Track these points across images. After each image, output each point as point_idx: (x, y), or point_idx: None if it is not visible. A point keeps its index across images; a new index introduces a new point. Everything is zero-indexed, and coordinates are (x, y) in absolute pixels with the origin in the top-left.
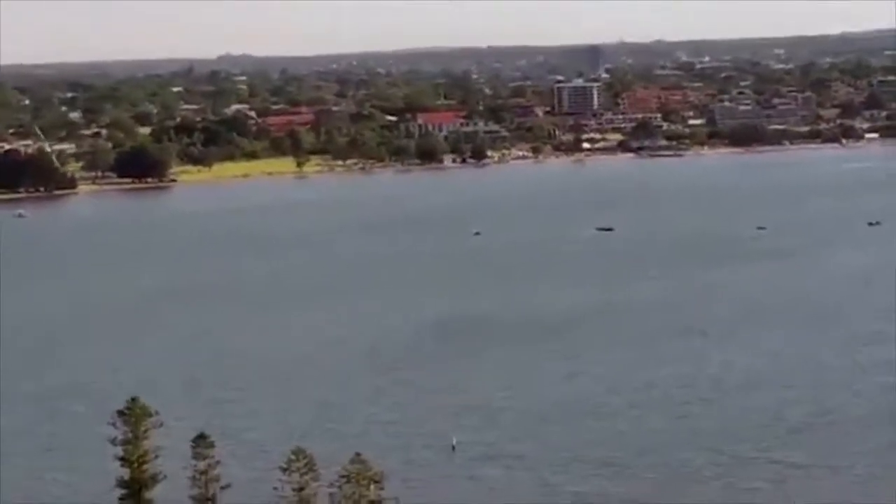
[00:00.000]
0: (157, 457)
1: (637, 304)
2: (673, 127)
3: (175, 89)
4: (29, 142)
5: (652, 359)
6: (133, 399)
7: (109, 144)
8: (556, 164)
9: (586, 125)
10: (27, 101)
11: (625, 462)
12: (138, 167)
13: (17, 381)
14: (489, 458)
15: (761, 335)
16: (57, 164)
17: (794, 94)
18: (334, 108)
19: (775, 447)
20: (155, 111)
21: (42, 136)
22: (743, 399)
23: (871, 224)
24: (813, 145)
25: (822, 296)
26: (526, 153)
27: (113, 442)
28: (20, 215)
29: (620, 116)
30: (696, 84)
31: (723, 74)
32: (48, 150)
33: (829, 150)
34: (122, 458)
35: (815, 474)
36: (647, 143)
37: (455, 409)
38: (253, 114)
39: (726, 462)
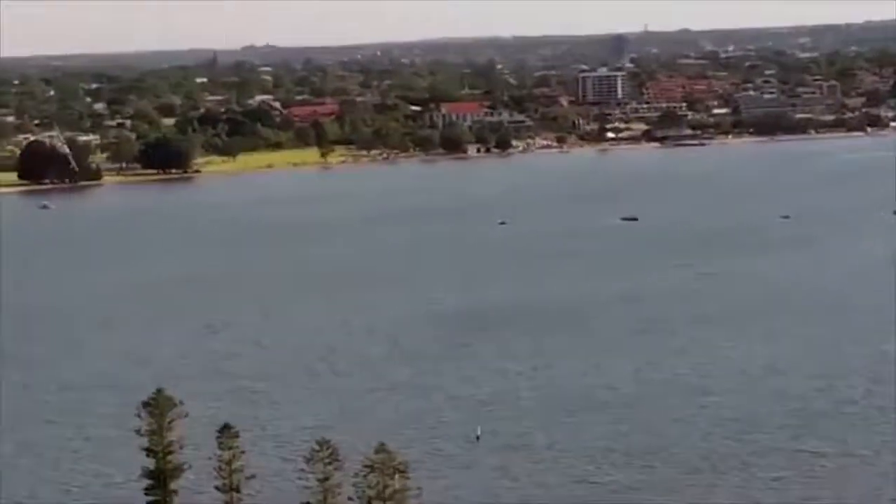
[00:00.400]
0: (182, 447)
1: (661, 294)
2: (697, 116)
3: (199, 80)
4: (54, 133)
5: (675, 348)
6: (158, 390)
7: (134, 135)
8: (580, 154)
9: (611, 114)
10: (52, 93)
11: (648, 452)
12: (163, 158)
13: (42, 371)
14: (513, 448)
15: (785, 324)
16: (69, 155)
17: (818, 82)
18: (358, 99)
19: (799, 436)
20: (179, 102)
21: (59, 134)
22: (766, 388)
23: None
24: (838, 134)
25: (845, 285)
26: (550, 143)
27: (138, 432)
28: (45, 206)
29: (645, 106)
30: (721, 73)
31: (747, 63)
32: (61, 143)
33: (854, 139)
34: (147, 449)
35: (840, 463)
36: (671, 132)
37: (479, 398)
38: (277, 104)
39: (750, 451)
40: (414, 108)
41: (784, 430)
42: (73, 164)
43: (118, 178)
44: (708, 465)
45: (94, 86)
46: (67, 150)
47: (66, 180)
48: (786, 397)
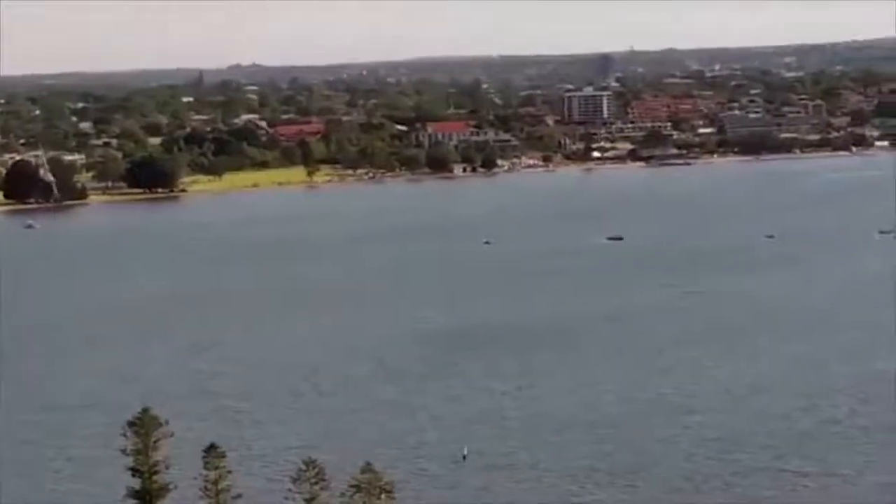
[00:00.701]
0: (167, 467)
1: (645, 313)
2: (683, 135)
3: (185, 99)
4: (39, 153)
5: (660, 367)
6: (144, 410)
7: (120, 154)
8: (566, 173)
9: (596, 134)
10: (38, 112)
11: (631, 471)
12: (149, 177)
13: (25, 390)
14: (499, 467)
15: (770, 342)
16: (53, 183)
17: (804, 102)
18: (344, 118)
19: (782, 456)
20: (165, 121)
21: (43, 155)
22: (750, 407)
23: (882, 232)
24: (823, 153)
25: (830, 303)
26: (536, 162)
27: (124, 452)
28: (30, 226)
29: (630, 125)
30: (707, 92)
31: (733, 83)
32: (40, 163)
33: (839, 159)
34: (133, 469)
35: (824, 483)
36: (657, 151)
37: (465, 418)
38: (263, 123)
39: (732, 471)
40: (400, 127)
41: (767, 450)
42: (55, 190)
43: (104, 198)
44: (691, 485)
45: (80, 105)
46: (51, 178)
47: (51, 200)
48: (770, 416)
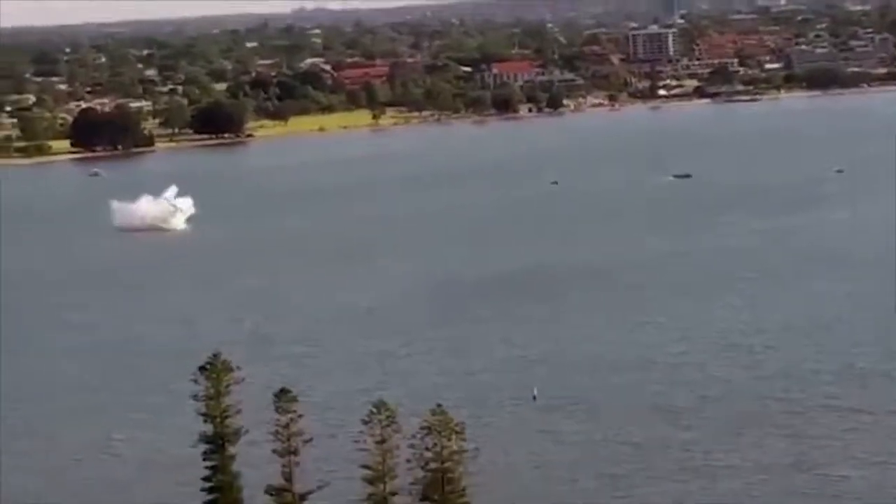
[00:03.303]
0: (238, 412)
1: (710, 252)
2: (749, 72)
3: (250, 45)
4: (106, 100)
5: (722, 305)
6: (214, 355)
7: (185, 101)
8: (632, 112)
9: (662, 72)
10: (103, 60)
11: (692, 410)
12: (214, 123)
13: (86, 335)
14: (567, 407)
15: (834, 281)
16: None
17: (871, 35)
18: (409, 60)
19: (842, 394)
20: (230, 67)
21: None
22: (810, 345)
23: None
24: (891, 87)
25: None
26: (602, 101)
27: (195, 397)
28: (95, 174)
29: (696, 62)
30: (773, 28)
31: (799, 17)
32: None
33: None
34: (204, 414)
35: (883, 421)
36: (723, 88)
37: (528, 359)
38: (328, 67)
39: (792, 410)
40: (464, 68)
41: (827, 388)
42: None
43: (171, 145)
44: (751, 422)
45: (144, 52)
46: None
47: (120, 147)
48: (829, 354)
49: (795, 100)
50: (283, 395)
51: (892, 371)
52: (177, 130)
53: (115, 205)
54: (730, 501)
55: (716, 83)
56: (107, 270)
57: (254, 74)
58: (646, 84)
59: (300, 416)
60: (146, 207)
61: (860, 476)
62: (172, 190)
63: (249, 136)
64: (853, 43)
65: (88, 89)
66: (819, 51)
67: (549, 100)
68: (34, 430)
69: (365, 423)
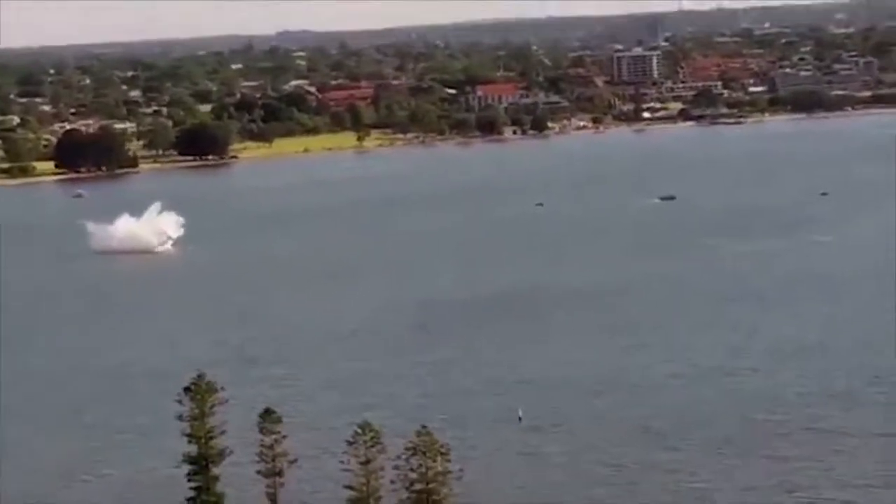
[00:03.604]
0: (223, 432)
1: (695, 274)
2: (734, 94)
3: (235, 66)
4: (90, 121)
5: (706, 328)
6: (199, 375)
7: (170, 122)
8: (616, 134)
9: (646, 94)
10: (88, 81)
11: (674, 433)
12: (199, 145)
13: (71, 359)
14: (553, 429)
15: (818, 304)
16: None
17: (854, 59)
18: (394, 82)
19: (826, 417)
20: (215, 88)
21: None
22: (794, 368)
23: None
24: (875, 110)
25: (882, 264)
26: (586, 123)
27: (180, 418)
28: (78, 195)
29: (681, 85)
30: (757, 51)
31: (783, 41)
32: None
33: (891, 115)
34: (189, 435)
35: (868, 444)
36: (707, 111)
37: (513, 380)
38: (313, 89)
39: (777, 432)
40: (449, 90)
41: (807, 410)
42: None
43: (155, 166)
44: (735, 445)
45: (129, 73)
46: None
47: (103, 168)
48: (811, 377)
49: (779, 122)
50: (267, 415)
51: (876, 394)
52: (161, 152)
53: (91, 227)
54: None
55: (700, 106)
56: (76, 292)
57: (238, 96)
58: (630, 106)
59: (284, 436)
60: (125, 228)
61: (844, 499)
62: (156, 207)
63: (234, 157)
64: (837, 66)
65: (73, 110)
66: (803, 74)
67: (534, 122)
68: (15, 451)
69: (349, 443)
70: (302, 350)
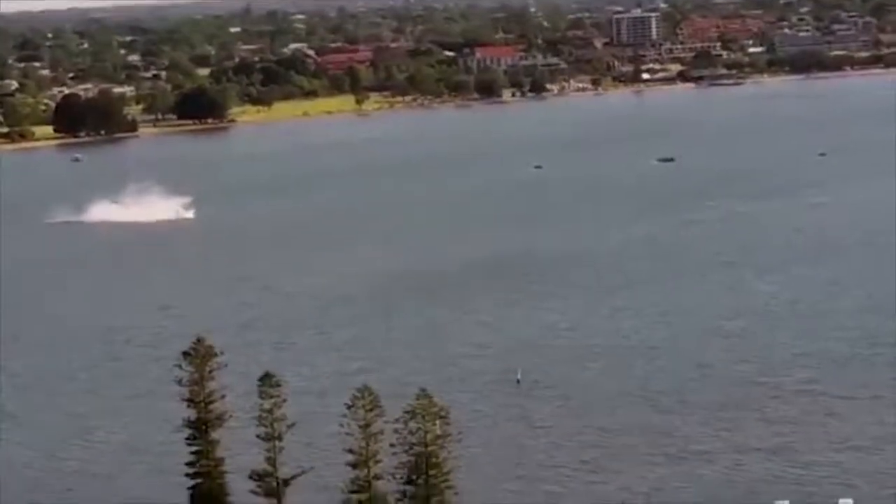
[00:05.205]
0: (223, 396)
1: (691, 235)
2: (732, 55)
3: (233, 30)
4: (89, 86)
5: (702, 290)
6: (198, 339)
7: (169, 86)
8: (615, 96)
9: (645, 56)
10: (86, 45)
11: (671, 394)
12: (198, 108)
13: (70, 322)
14: (550, 391)
15: (814, 265)
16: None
17: (853, 19)
18: (392, 45)
19: (822, 379)
20: (214, 52)
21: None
22: (789, 329)
23: None
24: (874, 70)
25: (878, 225)
26: (585, 85)
27: (179, 382)
28: (76, 159)
29: (679, 46)
30: (756, 12)
31: (782, 1)
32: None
33: (890, 75)
34: (187, 399)
35: (863, 406)
36: (706, 72)
37: (511, 343)
38: (311, 52)
39: (771, 394)
40: (448, 53)
41: (803, 372)
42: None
43: (154, 130)
44: (730, 407)
45: (128, 38)
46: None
47: (102, 132)
48: (807, 338)
49: (778, 83)
50: (266, 379)
51: (872, 356)
52: (160, 116)
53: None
54: (709, 485)
55: (699, 67)
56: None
57: (237, 60)
58: (629, 68)
59: (284, 400)
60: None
61: (839, 460)
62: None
63: (232, 121)
64: (836, 27)
65: (71, 75)
66: (802, 34)
67: (533, 84)
68: (14, 419)
69: (348, 407)
70: (301, 314)
